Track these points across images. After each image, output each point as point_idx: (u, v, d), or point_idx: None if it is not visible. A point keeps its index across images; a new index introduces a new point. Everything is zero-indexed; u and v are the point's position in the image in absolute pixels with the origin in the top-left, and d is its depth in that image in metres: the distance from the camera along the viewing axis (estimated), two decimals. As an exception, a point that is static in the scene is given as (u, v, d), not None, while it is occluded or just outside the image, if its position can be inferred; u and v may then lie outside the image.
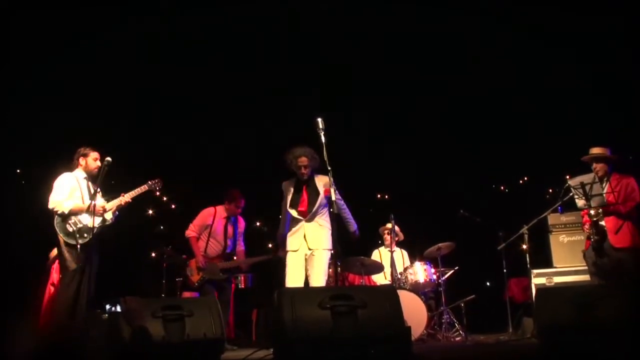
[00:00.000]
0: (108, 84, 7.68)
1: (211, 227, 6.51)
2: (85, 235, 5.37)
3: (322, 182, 5.52)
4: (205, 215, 6.57)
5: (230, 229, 6.58)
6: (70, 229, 5.38)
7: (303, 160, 5.48)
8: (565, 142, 7.20)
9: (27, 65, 7.20)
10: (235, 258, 6.64)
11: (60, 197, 5.42)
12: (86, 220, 5.40)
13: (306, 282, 5.46)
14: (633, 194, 5.47)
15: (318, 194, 5.51)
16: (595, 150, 5.65)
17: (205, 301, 4.27)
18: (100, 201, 5.44)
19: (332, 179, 4.93)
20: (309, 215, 5.49)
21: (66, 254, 5.33)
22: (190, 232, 6.53)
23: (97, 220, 5.39)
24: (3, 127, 7.09)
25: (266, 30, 7.84)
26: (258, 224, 8.35)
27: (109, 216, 5.54)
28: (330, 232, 5.37)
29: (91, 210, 5.28)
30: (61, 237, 5.37)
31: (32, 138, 7.46)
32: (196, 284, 6.37)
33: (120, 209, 5.61)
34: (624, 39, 7.42)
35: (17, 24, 6.87)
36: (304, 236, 5.46)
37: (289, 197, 5.61)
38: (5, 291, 6.44)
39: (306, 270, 5.45)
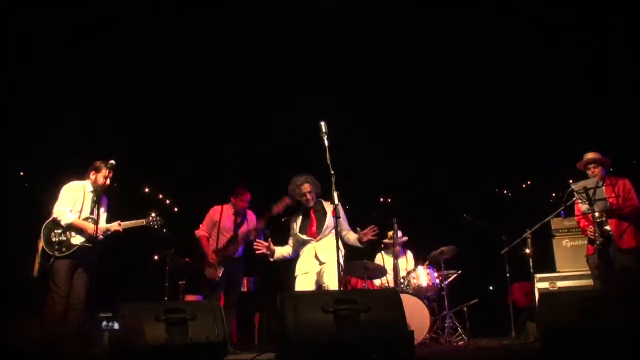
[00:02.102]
0: (108, 83, 7.66)
1: (219, 223, 6.44)
2: (64, 249, 5.33)
3: (329, 205, 5.47)
4: (212, 212, 6.55)
5: (240, 223, 6.50)
6: (54, 239, 5.35)
7: (306, 187, 5.54)
8: (569, 145, 7.18)
9: (27, 65, 7.18)
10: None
11: (64, 207, 5.41)
12: (73, 236, 5.38)
13: None
14: (631, 194, 5.55)
15: (326, 214, 5.51)
16: (591, 155, 5.73)
17: (209, 305, 4.26)
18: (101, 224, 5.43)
19: (339, 204, 4.71)
20: (318, 236, 5.50)
21: (37, 259, 5.31)
22: (200, 231, 6.49)
23: (82, 239, 5.39)
24: (3, 127, 7.07)
25: (265, 30, 7.81)
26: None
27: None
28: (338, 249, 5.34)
29: (87, 232, 5.31)
30: (40, 243, 5.35)
31: (32, 138, 7.44)
32: (218, 278, 6.27)
33: (108, 233, 5.56)
34: (624, 39, 7.42)
35: (17, 24, 6.84)
36: (315, 255, 5.44)
37: (297, 224, 5.61)
38: (7, 292, 6.43)
39: (320, 285, 5.40)
